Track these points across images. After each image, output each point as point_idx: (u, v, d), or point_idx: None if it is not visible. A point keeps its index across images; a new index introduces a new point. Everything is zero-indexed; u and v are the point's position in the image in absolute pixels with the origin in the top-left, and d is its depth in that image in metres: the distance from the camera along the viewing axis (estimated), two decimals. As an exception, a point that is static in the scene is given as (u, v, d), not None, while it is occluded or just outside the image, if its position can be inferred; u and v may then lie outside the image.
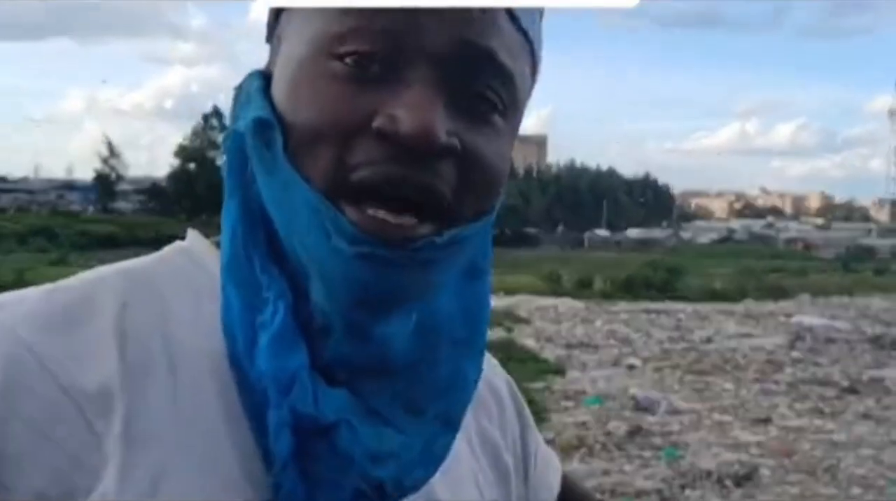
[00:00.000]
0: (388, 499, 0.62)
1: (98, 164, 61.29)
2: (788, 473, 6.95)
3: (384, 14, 0.57)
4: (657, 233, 73.68)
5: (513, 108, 0.62)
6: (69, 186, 76.21)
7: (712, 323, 16.30)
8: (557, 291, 21.97)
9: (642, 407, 9.00)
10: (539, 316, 16.78)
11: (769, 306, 20.29)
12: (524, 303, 18.38)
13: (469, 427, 0.72)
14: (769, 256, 48.26)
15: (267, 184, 0.61)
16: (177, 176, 58.51)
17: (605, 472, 6.78)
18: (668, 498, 6.31)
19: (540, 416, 7.93)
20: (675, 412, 8.96)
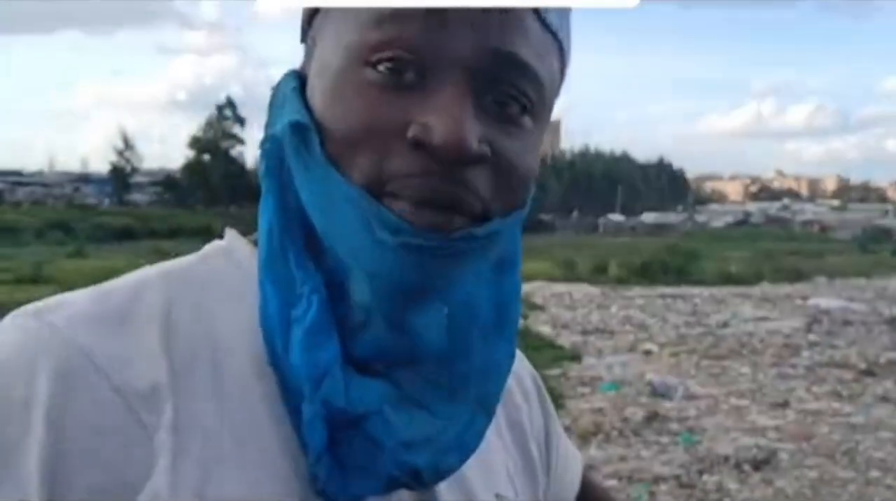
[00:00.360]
0: (424, 484, 0.64)
1: (113, 157, 61.58)
2: (807, 457, 6.94)
3: (416, 23, 0.59)
4: (672, 217, 73.49)
5: (541, 107, 0.64)
6: (84, 179, 76.55)
7: (728, 307, 16.25)
8: (572, 277, 21.96)
9: (659, 392, 8.99)
10: (554, 302, 16.77)
11: (786, 289, 20.22)
12: (539, 290, 18.37)
13: (499, 417, 0.73)
14: (785, 239, 48.16)
15: (306, 183, 0.62)
16: (191, 167, 58.74)
17: (622, 458, 6.79)
18: (686, 484, 6.30)
19: (556, 403, 7.91)
20: (691, 397, 8.94)
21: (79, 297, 0.62)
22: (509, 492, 0.75)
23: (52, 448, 0.55)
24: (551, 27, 0.64)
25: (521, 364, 0.82)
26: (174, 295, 0.63)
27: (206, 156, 58.02)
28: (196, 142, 58.99)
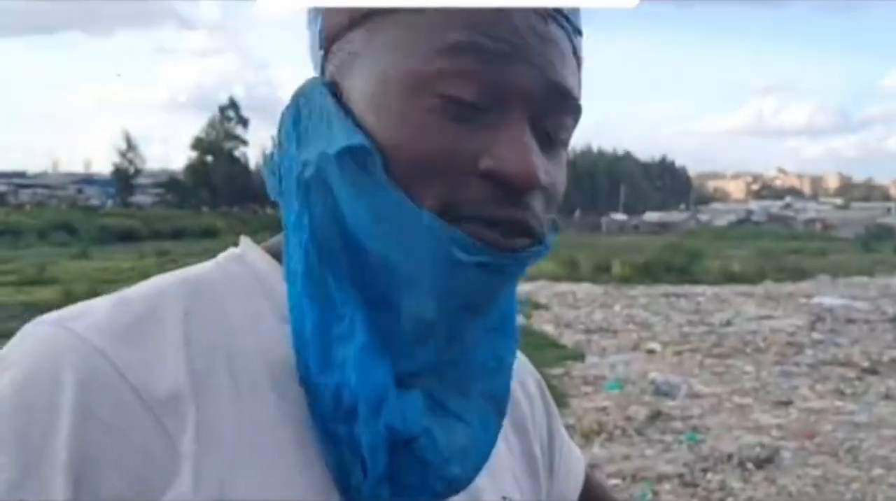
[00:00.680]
0: (457, 492, 0.66)
1: (116, 158, 61.73)
2: (810, 455, 6.94)
3: (485, 56, 0.61)
4: (674, 215, 73.55)
5: (572, 132, 0.68)
6: (87, 181, 76.82)
7: (731, 306, 16.26)
8: (575, 276, 21.94)
9: (662, 391, 8.99)
10: (557, 301, 16.78)
11: (788, 287, 20.22)
12: (542, 289, 18.38)
13: (505, 422, 0.73)
14: (788, 237, 48.09)
15: (361, 206, 0.62)
16: (194, 168, 58.86)
17: (626, 457, 6.79)
18: (690, 482, 6.30)
19: (559, 402, 7.91)
20: (695, 396, 8.94)
21: (99, 305, 0.62)
22: (515, 494, 0.75)
23: (78, 454, 0.55)
24: (578, 55, 0.67)
25: (525, 367, 0.83)
26: (192, 303, 0.64)
27: (209, 157, 58.15)
28: (199, 143, 59.09)
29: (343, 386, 0.61)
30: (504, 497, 0.73)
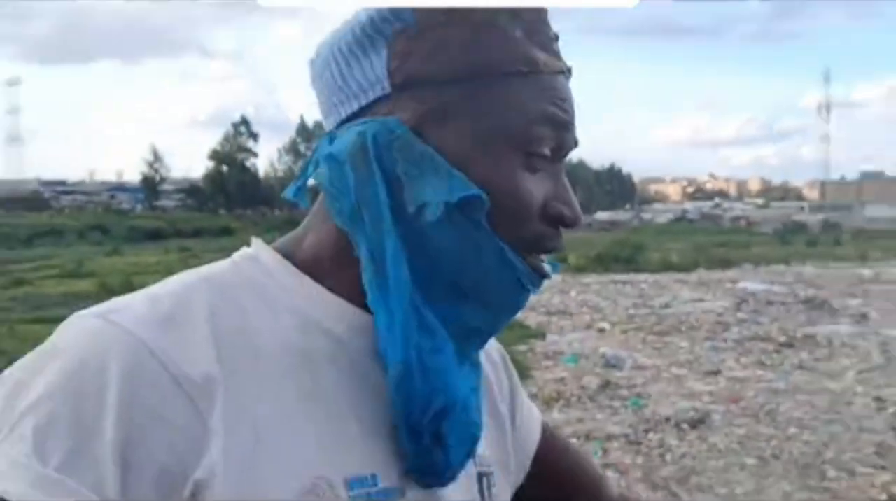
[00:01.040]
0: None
1: (144, 168, 61.27)
2: (735, 417, 6.98)
3: (560, 125, 0.67)
4: (621, 215, 73.49)
5: None
6: (120, 188, 76.11)
7: (669, 291, 16.31)
8: (537, 267, 21.89)
9: (611, 363, 9.02)
10: (522, 288, 16.73)
11: (717, 275, 20.30)
12: (509, 278, 18.32)
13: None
14: (717, 232, 48.19)
15: (465, 249, 0.64)
16: (211, 176, 58.42)
17: (580, 420, 6.81)
18: (634, 441, 6.33)
19: (524, 374, 7.95)
20: (638, 367, 8.98)
21: (135, 300, 0.62)
22: (484, 451, 0.76)
23: (124, 432, 0.55)
24: None
25: (492, 343, 0.84)
26: (216, 299, 0.63)
27: (224, 167, 57.69)
28: (215, 155, 58.61)
29: (436, 392, 0.64)
30: (475, 454, 0.74)
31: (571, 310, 13.60)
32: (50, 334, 0.61)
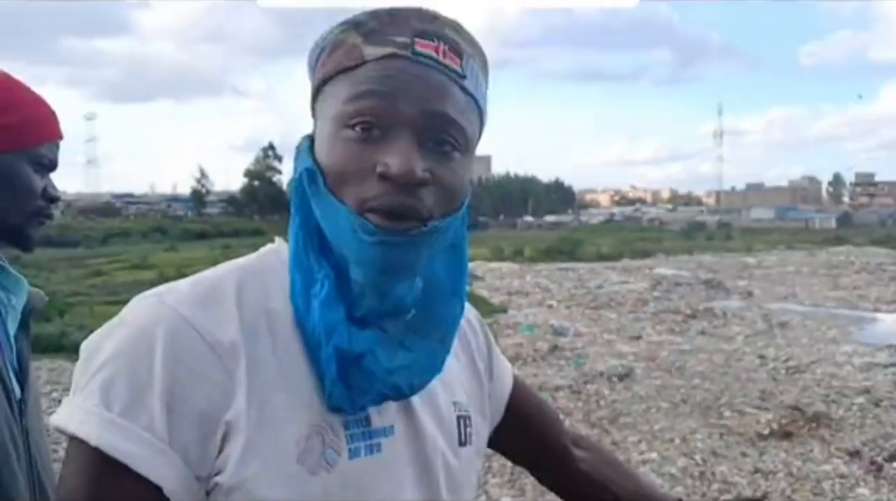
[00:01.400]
0: (404, 396, 0.65)
1: (194, 183, 60.84)
2: (653, 371, 7.04)
3: (376, 98, 0.60)
4: (564, 218, 73.80)
5: (465, 146, 0.63)
6: (175, 199, 75.55)
7: (601, 276, 16.40)
8: (500, 258, 21.97)
9: (558, 332, 9.06)
10: (489, 275, 16.77)
11: (638, 263, 20.45)
12: (479, 267, 18.32)
13: (456, 347, 0.73)
14: (637, 230, 48.52)
15: (318, 207, 0.63)
16: (246, 190, 58.01)
17: (535, 375, 6.83)
18: (576, 391, 6.36)
19: (491, 340, 7.95)
20: (579, 334, 9.03)
21: (182, 284, 0.63)
22: (462, 399, 0.74)
23: (169, 383, 0.57)
24: (471, 93, 0.64)
25: (470, 310, 0.82)
26: (243, 282, 0.64)
27: (256, 182, 57.30)
28: (249, 173, 58.18)
29: (313, 324, 0.61)
30: (454, 402, 0.73)
31: (527, 291, 13.64)
32: None
